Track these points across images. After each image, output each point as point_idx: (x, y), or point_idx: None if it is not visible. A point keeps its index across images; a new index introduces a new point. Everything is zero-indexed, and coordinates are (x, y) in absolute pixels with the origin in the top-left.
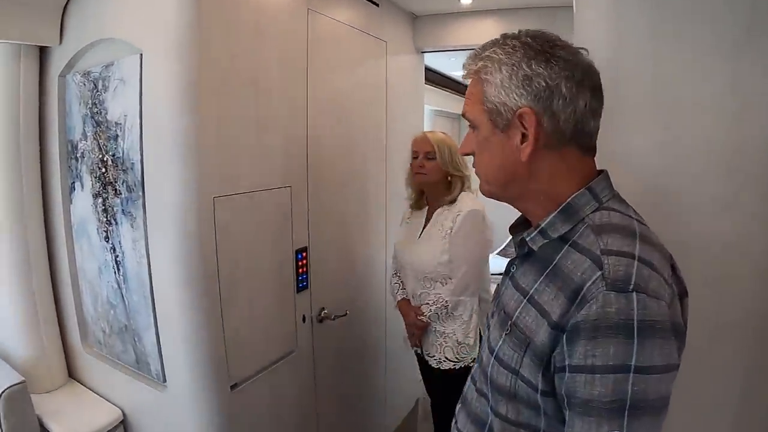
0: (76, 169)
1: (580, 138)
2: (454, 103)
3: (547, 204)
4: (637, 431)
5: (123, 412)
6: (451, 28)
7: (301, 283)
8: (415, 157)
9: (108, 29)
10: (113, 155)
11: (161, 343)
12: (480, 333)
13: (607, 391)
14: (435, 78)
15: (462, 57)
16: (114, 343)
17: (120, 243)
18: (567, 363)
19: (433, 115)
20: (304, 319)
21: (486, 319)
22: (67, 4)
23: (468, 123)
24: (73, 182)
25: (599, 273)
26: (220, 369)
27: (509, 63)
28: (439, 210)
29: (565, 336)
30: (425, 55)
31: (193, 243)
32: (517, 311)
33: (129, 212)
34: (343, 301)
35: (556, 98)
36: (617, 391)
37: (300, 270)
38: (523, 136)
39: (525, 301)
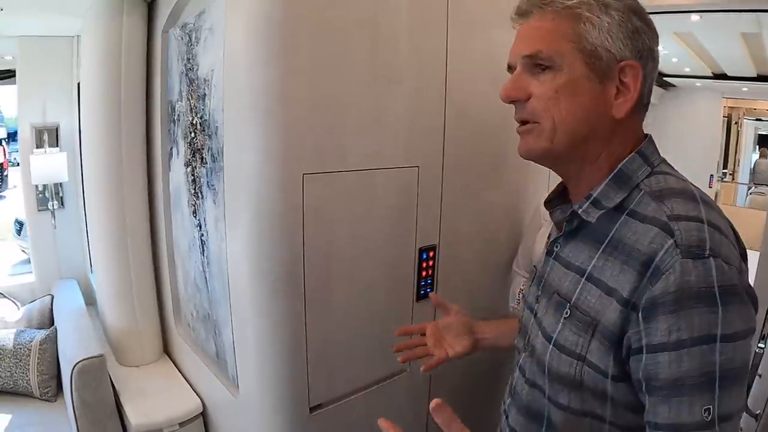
0: (173, 133)
1: (647, 104)
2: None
3: (605, 170)
4: (728, 403)
5: (204, 404)
6: None
7: (425, 288)
8: None
9: None
10: (201, 117)
11: (235, 344)
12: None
13: (695, 365)
14: None
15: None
16: (199, 329)
17: (205, 220)
18: (645, 343)
19: None
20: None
21: (524, 305)
22: None
23: (527, 63)
24: (171, 147)
25: (671, 240)
26: (296, 386)
27: (619, 9)
28: None
29: (640, 313)
30: None
31: (271, 229)
32: (576, 292)
33: (212, 185)
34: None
35: (650, 60)
36: (705, 363)
37: (424, 273)
38: (618, 91)
39: (583, 280)
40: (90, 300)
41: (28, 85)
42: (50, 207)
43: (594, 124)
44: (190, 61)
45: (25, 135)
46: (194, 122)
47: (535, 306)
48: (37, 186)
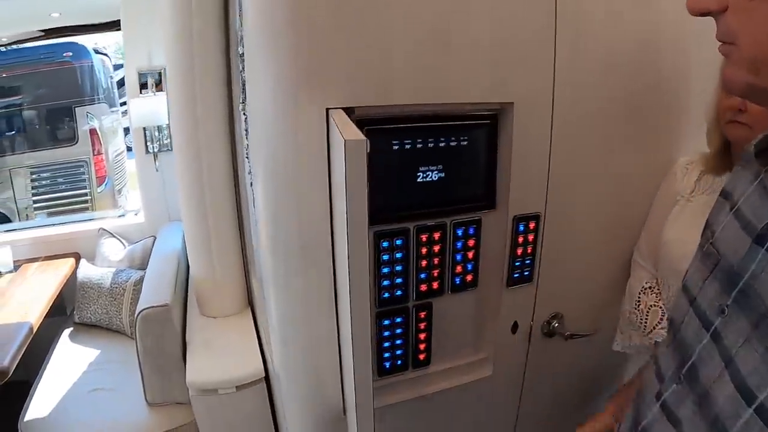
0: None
1: None
2: None
3: None
4: None
5: (266, 369)
6: None
7: (519, 271)
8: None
9: None
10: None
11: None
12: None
13: None
14: None
15: None
16: (259, 287)
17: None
18: None
19: None
20: (514, 328)
21: (684, 300)
22: None
23: None
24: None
25: None
26: (319, 382)
27: None
28: None
29: None
30: None
31: (285, 181)
32: None
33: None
34: (594, 314)
35: None
36: None
37: (520, 250)
38: None
39: None
40: None
41: (133, 30)
42: (151, 150)
43: None
44: None
45: (132, 79)
46: (241, 53)
47: (715, 319)
48: (144, 129)
